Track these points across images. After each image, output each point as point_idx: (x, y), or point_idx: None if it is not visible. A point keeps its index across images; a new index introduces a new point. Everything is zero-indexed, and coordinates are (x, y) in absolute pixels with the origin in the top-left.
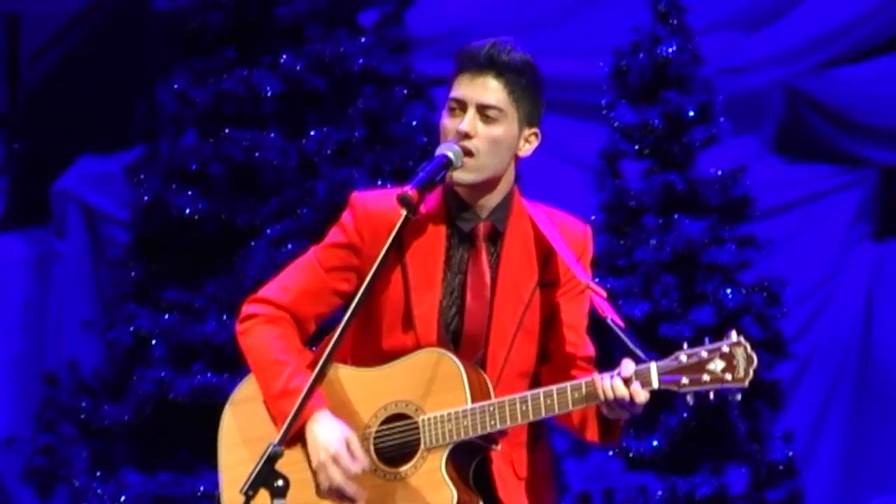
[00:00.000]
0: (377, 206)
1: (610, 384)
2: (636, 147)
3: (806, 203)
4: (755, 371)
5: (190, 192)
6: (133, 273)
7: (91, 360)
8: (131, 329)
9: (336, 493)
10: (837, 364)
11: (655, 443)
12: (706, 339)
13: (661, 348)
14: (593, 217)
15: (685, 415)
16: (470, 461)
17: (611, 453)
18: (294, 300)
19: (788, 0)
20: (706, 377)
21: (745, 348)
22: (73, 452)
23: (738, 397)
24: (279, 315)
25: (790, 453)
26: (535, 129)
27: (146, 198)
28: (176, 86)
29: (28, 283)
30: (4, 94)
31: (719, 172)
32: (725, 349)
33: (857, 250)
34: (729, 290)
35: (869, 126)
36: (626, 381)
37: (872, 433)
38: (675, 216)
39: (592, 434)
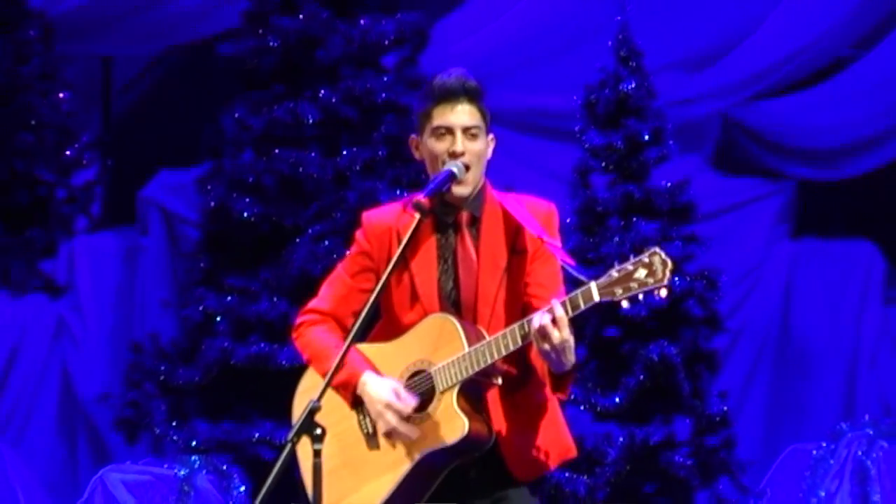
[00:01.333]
0: (379, 220)
1: (539, 315)
2: (602, 164)
3: (737, 209)
4: (671, 272)
5: (247, 200)
6: (202, 263)
7: (168, 332)
8: (200, 308)
9: (395, 433)
10: (762, 336)
11: (617, 399)
12: (630, 256)
13: (621, 322)
14: (569, 220)
15: (641, 377)
16: (478, 396)
17: (582, 408)
18: (332, 306)
19: (723, 47)
20: (634, 284)
21: (660, 256)
22: (154, 406)
23: (664, 293)
24: (322, 319)
25: (724, 408)
26: (491, 135)
27: (212, 203)
28: (236, 114)
29: (119, 272)
30: (100, 120)
31: (668, 184)
32: (646, 259)
33: (778, 246)
34: (676, 278)
35: (787, 147)
36: (554, 317)
37: (789, 392)
38: (634, 219)
39: (549, 386)
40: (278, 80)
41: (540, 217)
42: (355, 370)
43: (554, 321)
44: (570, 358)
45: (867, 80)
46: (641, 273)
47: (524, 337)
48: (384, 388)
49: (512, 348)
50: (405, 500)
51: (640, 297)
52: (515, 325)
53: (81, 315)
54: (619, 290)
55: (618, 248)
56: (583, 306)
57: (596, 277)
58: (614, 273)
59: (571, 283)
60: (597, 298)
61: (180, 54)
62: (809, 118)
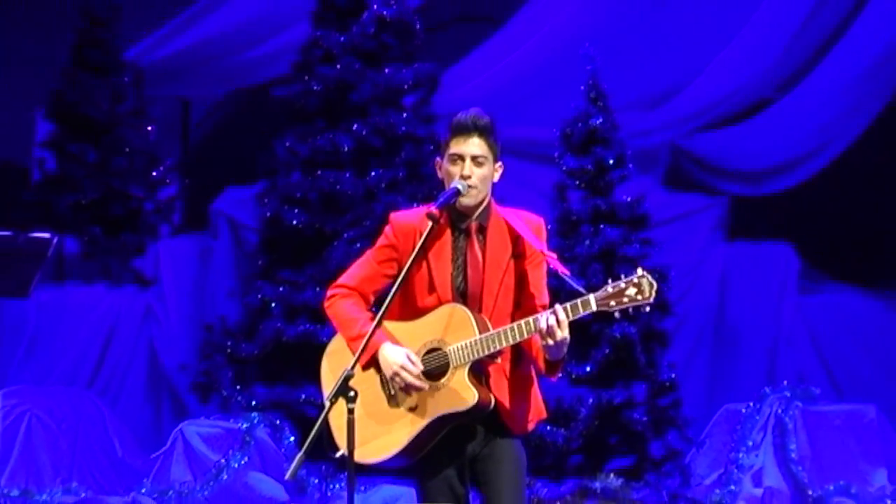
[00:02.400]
0: (405, 220)
1: (545, 317)
2: (577, 182)
3: (682, 218)
4: (656, 293)
5: (295, 211)
6: (260, 261)
7: (234, 316)
8: (259, 297)
9: (408, 388)
10: (702, 319)
11: (588, 368)
12: (622, 276)
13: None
14: (549, 227)
15: (607, 350)
16: (482, 370)
17: (560, 375)
18: (358, 283)
19: (672, 91)
20: (625, 299)
21: (648, 278)
22: (222, 374)
23: (647, 309)
24: (349, 293)
25: (673, 375)
26: (499, 163)
27: (268, 214)
28: (287, 143)
29: (194, 268)
30: (179, 148)
31: (628, 199)
32: (635, 280)
33: (715, 248)
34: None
35: (722, 169)
36: (558, 319)
37: (724, 363)
38: (601, 226)
39: (540, 367)
40: (320, 116)
41: (533, 228)
42: (376, 341)
43: (557, 322)
44: (565, 350)
45: (786, 117)
46: (632, 291)
47: (530, 332)
48: (399, 354)
49: (518, 339)
50: (417, 449)
51: (630, 310)
52: (523, 322)
53: (164, 302)
54: (612, 303)
55: (588, 249)
56: (581, 313)
57: (594, 290)
58: (609, 288)
59: (566, 290)
60: (594, 308)
61: (243, 95)
62: (740, 147)
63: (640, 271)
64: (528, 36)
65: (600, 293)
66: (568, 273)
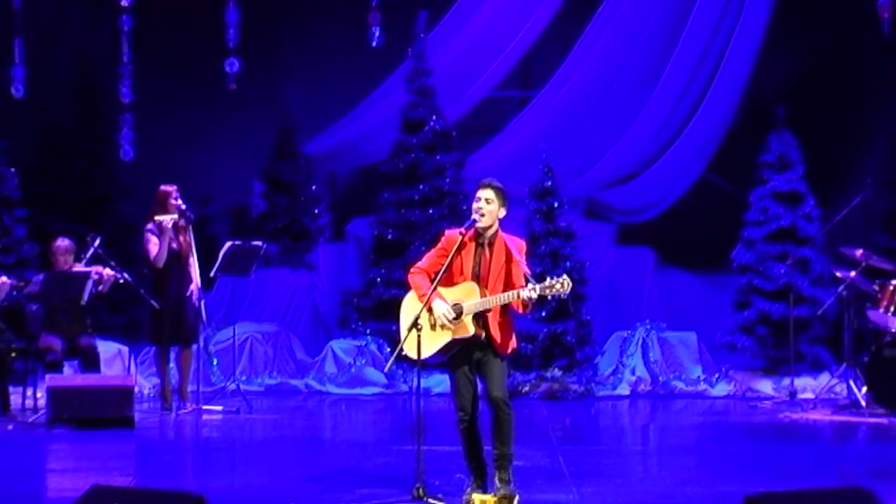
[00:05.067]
0: (451, 234)
1: (527, 291)
2: (537, 216)
3: (593, 234)
4: (570, 286)
5: (390, 230)
6: (371, 257)
7: (357, 286)
8: (370, 276)
9: (444, 323)
10: (603, 287)
11: (543, 314)
12: (553, 275)
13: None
14: (525, 239)
15: (553, 304)
16: (481, 316)
17: (530, 317)
18: (426, 266)
19: (587, 167)
20: (556, 289)
21: (566, 280)
22: (352, 316)
23: (565, 296)
24: (420, 272)
25: (588, 317)
26: (504, 208)
27: (375, 232)
28: (385, 194)
29: (338, 260)
30: (328, 197)
31: (564, 224)
32: (562, 279)
33: (609, 250)
34: (567, 263)
35: (614, 208)
36: (528, 293)
37: (615, 311)
38: (550, 239)
39: (519, 310)
40: (403, 180)
41: (518, 247)
42: (431, 297)
43: (530, 296)
44: (532, 303)
45: (646, 181)
46: (558, 284)
47: (510, 300)
48: (441, 305)
49: (507, 301)
50: (443, 352)
51: (563, 296)
52: (510, 292)
53: (321, 278)
54: (547, 291)
55: (543, 250)
56: (537, 294)
57: (541, 281)
58: (546, 282)
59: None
60: (538, 294)
61: (364, 167)
62: (623, 196)
63: (564, 276)
64: (511, 138)
65: (542, 285)
66: (529, 273)
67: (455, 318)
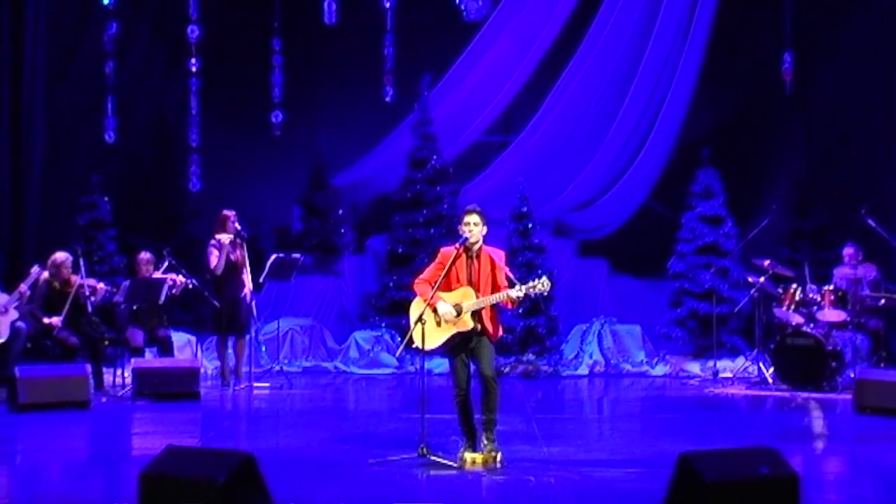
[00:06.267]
0: (447, 250)
1: (515, 292)
2: (517, 235)
3: (559, 249)
4: (550, 284)
5: (400, 245)
6: (386, 266)
7: (374, 289)
8: (384, 282)
9: (448, 321)
10: (566, 289)
11: (520, 310)
12: (535, 277)
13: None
14: (505, 252)
15: (528, 304)
16: (477, 313)
17: (511, 312)
18: (427, 277)
19: (556, 195)
20: (538, 288)
21: (546, 278)
22: (370, 312)
23: (546, 294)
24: (424, 282)
25: (555, 314)
26: (485, 227)
27: (389, 247)
28: (396, 217)
29: (359, 268)
30: (353, 217)
31: (537, 241)
32: (542, 279)
33: (572, 260)
34: (539, 271)
35: (577, 227)
36: (516, 293)
37: (576, 308)
38: (526, 252)
39: (507, 306)
40: (409, 207)
41: (499, 256)
42: (435, 299)
43: (518, 295)
44: (518, 301)
45: (601, 205)
46: (539, 285)
47: (499, 300)
48: (445, 305)
49: (497, 301)
50: (446, 343)
51: (545, 294)
52: (501, 293)
53: (346, 283)
54: (530, 291)
55: (520, 261)
56: (523, 293)
57: (524, 283)
58: (530, 283)
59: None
60: (522, 293)
61: (380, 196)
62: (584, 218)
63: (544, 277)
64: (495, 174)
65: (525, 286)
66: (512, 276)
67: (456, 316)
